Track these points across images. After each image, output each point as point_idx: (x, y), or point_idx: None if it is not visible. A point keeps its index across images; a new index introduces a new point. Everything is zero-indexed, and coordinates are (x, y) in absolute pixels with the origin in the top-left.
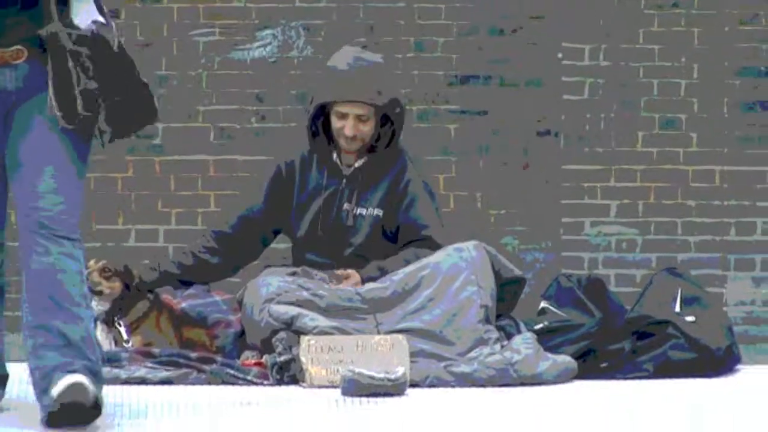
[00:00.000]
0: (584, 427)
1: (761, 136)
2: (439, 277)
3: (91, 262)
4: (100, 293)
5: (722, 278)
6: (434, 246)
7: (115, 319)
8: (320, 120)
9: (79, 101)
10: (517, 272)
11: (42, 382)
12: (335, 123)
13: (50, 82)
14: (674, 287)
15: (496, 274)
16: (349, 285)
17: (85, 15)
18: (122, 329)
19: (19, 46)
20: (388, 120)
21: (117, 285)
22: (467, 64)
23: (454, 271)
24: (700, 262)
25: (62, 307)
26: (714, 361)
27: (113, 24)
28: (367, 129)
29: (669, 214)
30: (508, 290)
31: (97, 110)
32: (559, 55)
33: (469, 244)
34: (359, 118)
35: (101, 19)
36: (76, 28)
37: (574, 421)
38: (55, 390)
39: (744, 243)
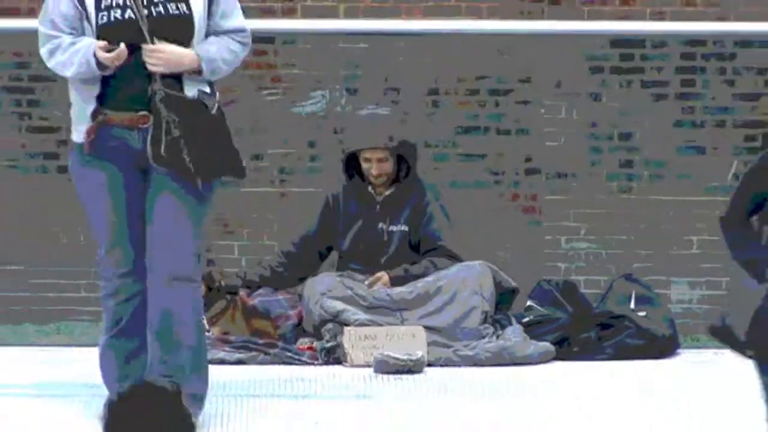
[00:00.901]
0: (561, 396)
1: (696, 174)
2: (453, 288)
3: None
4: None
5: (666, 283)
6: (448, 253)
7: None
8: (353, 162)
9: (163, 146)
10: (513, 284)
11: None
12: (364, 165)
13: (150, 131)
14: (630, 289)
15: (497, 285)
16: (380, 284)
17: (192, 84)
18: (204, 322)
19: (144, 112)
20: (403, 157)
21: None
22: (471, 118)
23: (464, 284)
24: (650, 270)
25: None
26: (660, 346)
27: (217, 93)
28: (387, 166)
29: (626, 233)
30: (505, 296)
31: (180, 155)
32: (542, 111)
33: (477, 263)
34: (380, 160)
35: (207, 89)
36: (181, 91)
37: (553, 390)
38: None
39: (682, 255)
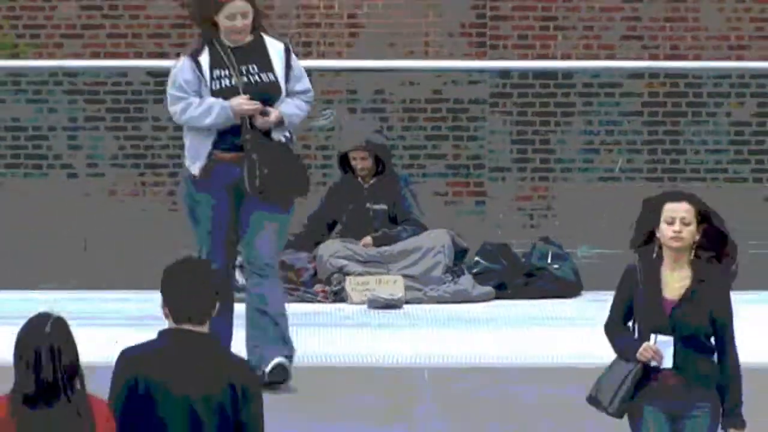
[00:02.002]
0: (498, 323)
1: (592, 169)
2: (424, 248)
3: None
4: None
5: (574, 243)
6: (416, 222)
7: None
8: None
9: (258, 181)
10: (465, 245)
11: None
12: (352, 162)
13: (245, 168)
14: (547, 249)
15: (455, 245)
16: (365, 243)
17: (277, 132)
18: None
19: (242, 153)
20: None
21: None
22: (437, 129)
23: (431, 245)
24: (562, 235)
25: None
26: (568, 289)
27: (294, 138)
28: (368, 163)
29: (545, 209)
30: (459, 254)
31: (269, 187)
32: (486, 123)
33: (441, 230)
34: (362, 158)
35: (288, 134)
36: (269, 137)
37: (492, 320)
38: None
39: (586, 225)
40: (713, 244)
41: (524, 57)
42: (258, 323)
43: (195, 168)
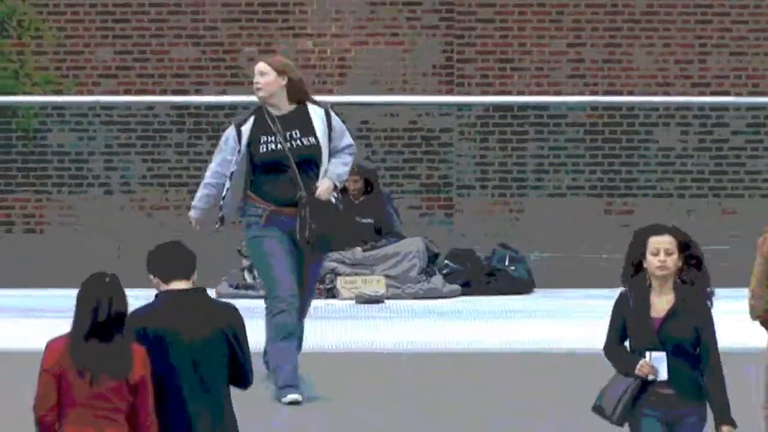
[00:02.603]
0: (463, 315)
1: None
2: (402, 253)
3: None
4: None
5: (529, 248)
6: (398, 234)
7: None
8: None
9: (307, 233)
10: (436, 250)
11: None
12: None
13: (298, 221)
14: (505, 253)
15: (428, 250)
16: (358, 250)
17: (325, 194)
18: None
19: (295, 208)
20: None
21: None
22: (412, 153)
23: (408, 250)
24: (517, 242)
25: None
26: (522, 287)
27: (340, 196)
28: (359, 185)
29: (501, 221)
30: (432, 258)
31: (315, 239)
32: (453, 149)
33: (417, 238)
34: (354, 181)
35: (335, 194)
36: (317, 198)
37: (459, 313)
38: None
39: (536, 234)
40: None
41: (486, 93)
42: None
43: (257, 216)
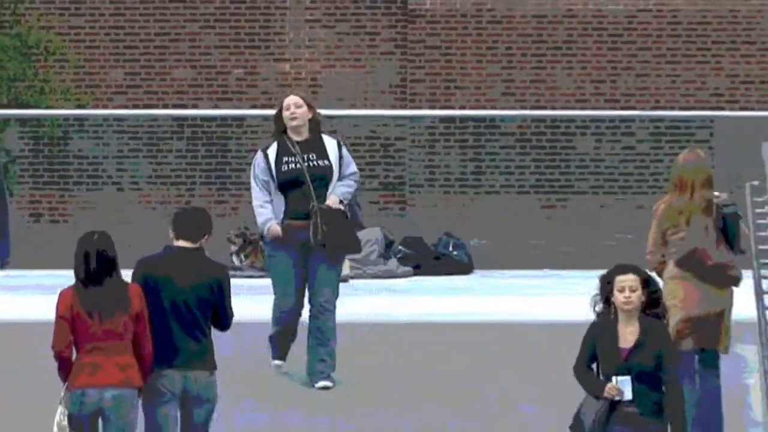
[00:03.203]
0: (414, 293)
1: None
2: (363, 240)
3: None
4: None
5: (469, 236)
6: (359, 225)
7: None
8: None
9: (319, 236)
10: (392, 238)
11: None
12: None
13: (311, 227)
14: (449, 240)
15: (386, 238)
16: None
17: (333, 205)
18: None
19: (307, 220)
20: None
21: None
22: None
23: (368, 237)
24: (459, 230)
25: None
26: (464, 269)
27: (347, 209)
28: None
29: (447, 213)
30: (388, 244)
31: (328, 242)
32: (406, 153)
33: (376, 228)
34: None
35: (342, 207)
36: (327, 206)
37: (410, 290)
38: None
39: (475, 221)
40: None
41: (433, 107)
42: (317, 351)
43: (275, 226)
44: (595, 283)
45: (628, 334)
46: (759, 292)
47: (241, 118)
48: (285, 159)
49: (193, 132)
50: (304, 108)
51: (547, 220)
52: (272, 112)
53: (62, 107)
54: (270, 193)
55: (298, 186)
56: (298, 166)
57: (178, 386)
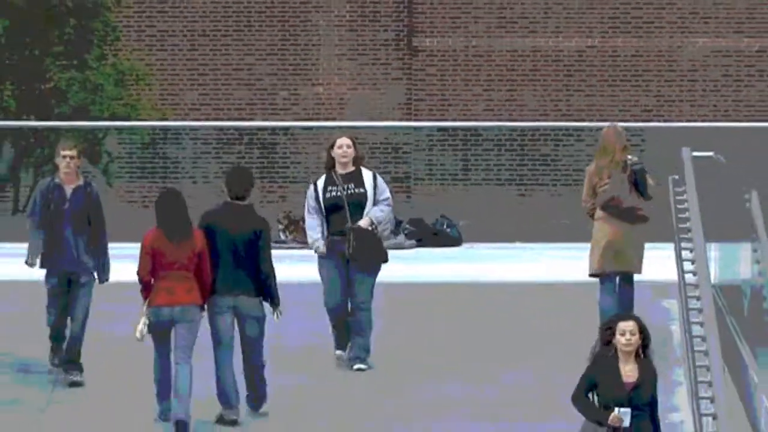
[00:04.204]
0: (416, 261)
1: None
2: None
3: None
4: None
5: (461, 216)
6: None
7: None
8: None
9: (353, 250)
10: (400, 219)
11: None
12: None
13: (346, 242)
14: (444, 221)
15: (396, 219)
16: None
17: (365, 225)
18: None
19: (344, 236)
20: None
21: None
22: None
23: (383, 217)
24: (452, 212)
25: None
26: (454, 242)
27: (377, 229)
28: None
29: (441, 200)
30: (398, 224)
31: (360, 255)
32: (411, 151)
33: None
34: None
35: (373, 225)
36: (359, 226)
37: (414, 258)
38: None
39: (465, 207)
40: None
41: (431, 120)
42: (355, 340)
43: (320, 245)
44: (553, 252)
45: (628, 371)
46: (678, 259)
47: (286, 129)
48: (329, 188)
49: (250, 139)
50: (353, 148)
51: (519, 206)
52: (310, 123)
53: (150, 120)
54: (319, 216)
55: (338, 209)
56: (338, 194)
57: (230, 304)
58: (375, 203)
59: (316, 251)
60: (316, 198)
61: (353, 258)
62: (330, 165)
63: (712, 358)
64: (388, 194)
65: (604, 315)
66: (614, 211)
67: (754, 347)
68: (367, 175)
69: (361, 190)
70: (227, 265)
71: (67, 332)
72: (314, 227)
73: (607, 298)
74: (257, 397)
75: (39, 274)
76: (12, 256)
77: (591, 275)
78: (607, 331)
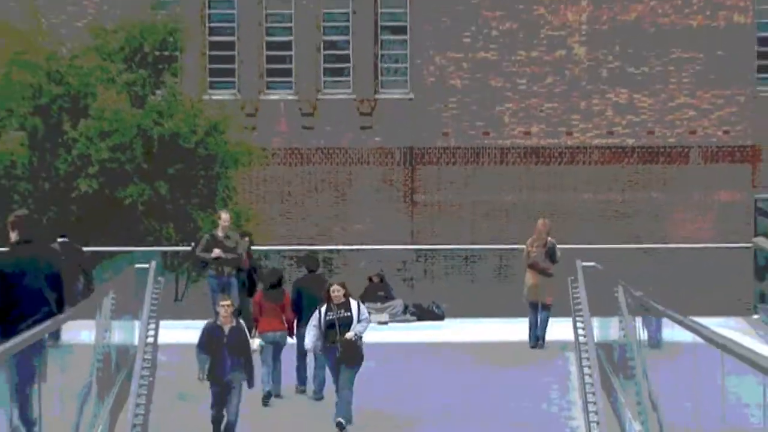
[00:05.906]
0: (418, 328)
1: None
2: (394, 305)
3: None
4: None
5: (442, 301)
6: (392, 297)
7: None
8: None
9: (338, 355)
10: (406, 303)
11: None
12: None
13: (337, 350)
14: (434, 305)
15: (403, 304)
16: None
17: (350, 337)
18: None
19: (334, 345)
20: None
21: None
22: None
23: (396, 303)
24: (443, 300)
25: None
26: (438, 317)
27: (363, 338)
28: (379, 280)
29: (428, 275)
30: (405, 308)
31: (344, 357)
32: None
33: (399, 299)
34: (380, 278)
35: (355, 337)
36: (346, 339)
37: (415, 327)
38: None
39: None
40: None
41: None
42: (341, 405)
43: (316, 349)
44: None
45: None
46: (574, 327)
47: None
48: (328, 313)
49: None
50: (344, 291)
51: (488, 291)
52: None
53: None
54: (319, 331)
55: (332, 327)
56: (333, 317)
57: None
58: (359, 321)
59: (312, 352)
60: (319, 319)
61: (341, 359)
62: (327, 298)
63: (595, 386)
64: (366, 314)
65: (530, 326)
66: (535, 268)
67: (621, 380)
68: (353, 302)
69: (349, 314)
70: (302, 316)
71: None
72: (311, 338)
73: (532, 316)
74: None
75: None
76: None
77: (526, 301)
78: None
